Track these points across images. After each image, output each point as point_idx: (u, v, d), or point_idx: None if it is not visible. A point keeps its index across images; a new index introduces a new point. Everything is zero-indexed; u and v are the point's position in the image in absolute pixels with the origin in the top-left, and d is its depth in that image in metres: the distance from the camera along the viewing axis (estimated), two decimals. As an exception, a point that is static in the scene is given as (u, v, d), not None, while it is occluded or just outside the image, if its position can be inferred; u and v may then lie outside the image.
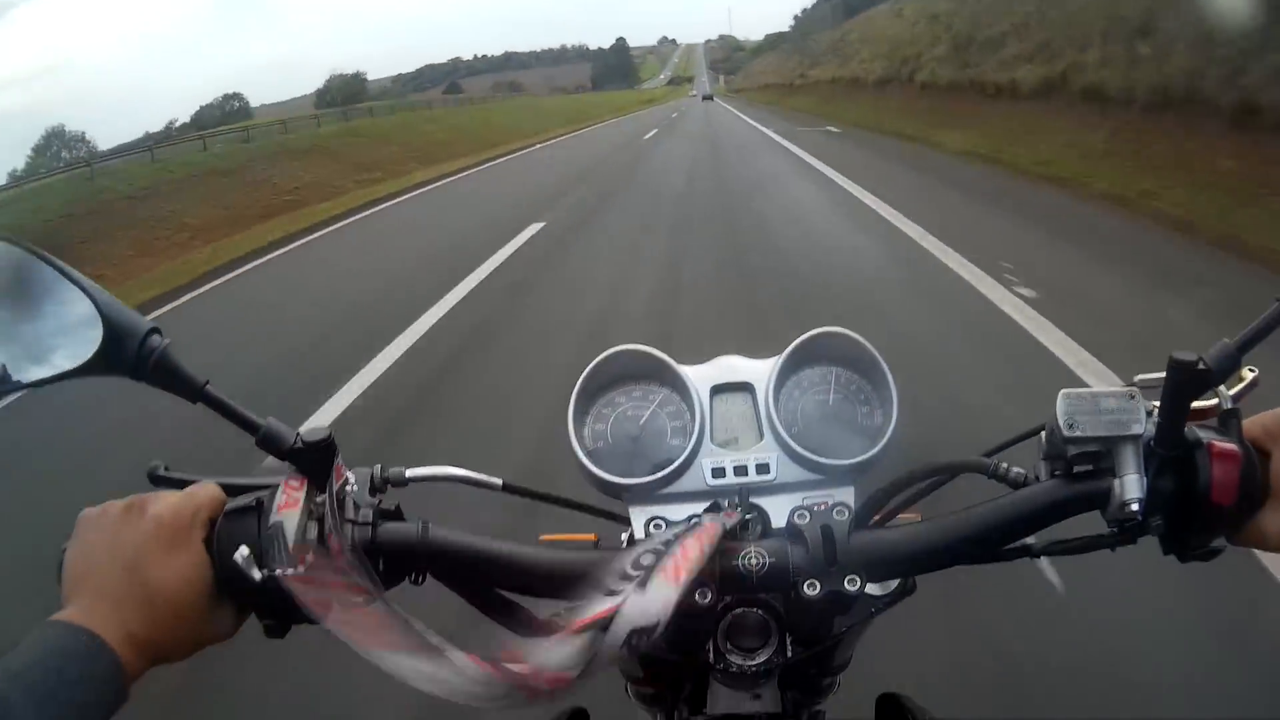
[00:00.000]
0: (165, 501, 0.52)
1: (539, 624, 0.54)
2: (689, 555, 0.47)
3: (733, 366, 0.65)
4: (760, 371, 0.64)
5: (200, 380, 0.53)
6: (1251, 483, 0.50)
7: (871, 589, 0.57)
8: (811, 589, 0.51)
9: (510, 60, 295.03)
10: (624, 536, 0.63)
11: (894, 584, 0.58)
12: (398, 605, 0.47)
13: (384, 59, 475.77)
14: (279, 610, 0.51)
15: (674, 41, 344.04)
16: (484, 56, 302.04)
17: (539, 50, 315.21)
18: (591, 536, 0.65)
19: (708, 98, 74.43)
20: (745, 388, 0.64)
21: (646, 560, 0.47)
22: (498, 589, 0.57)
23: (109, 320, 0.51)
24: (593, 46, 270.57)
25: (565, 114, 45.65)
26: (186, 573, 0.50)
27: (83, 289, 0.52)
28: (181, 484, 0.55)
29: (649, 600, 0.44)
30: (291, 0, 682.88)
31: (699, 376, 0.64)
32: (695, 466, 0.61)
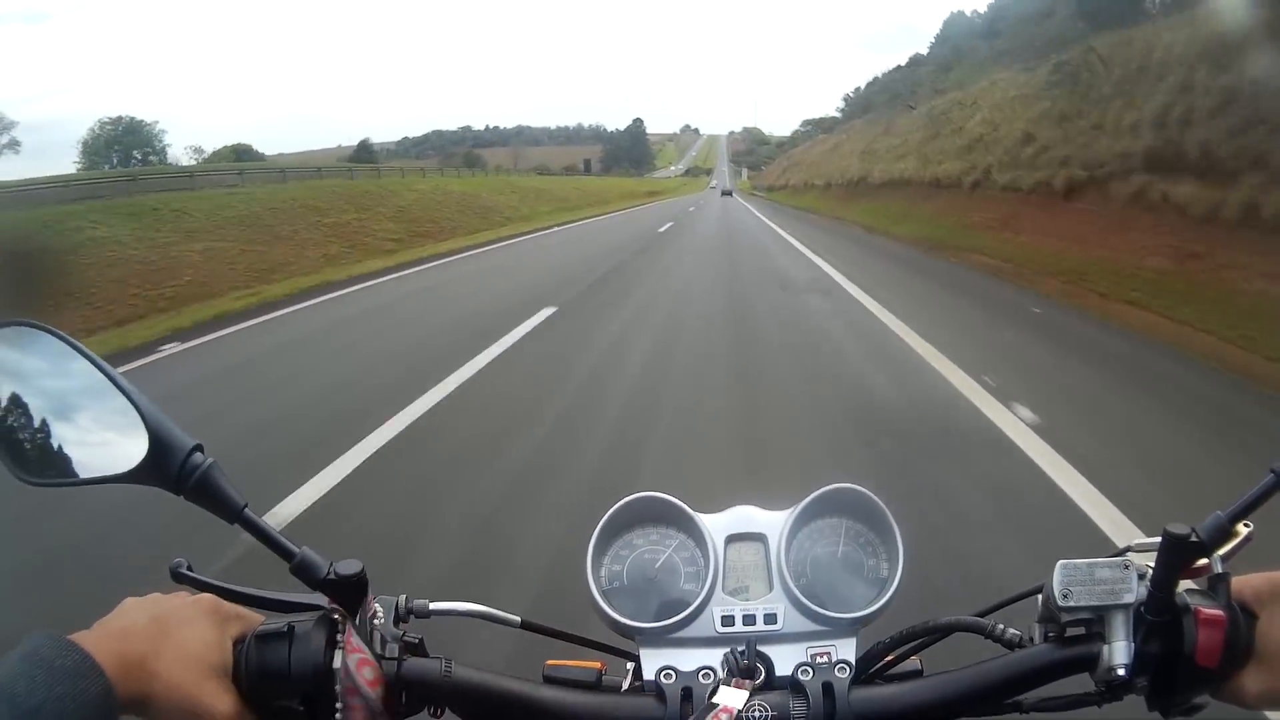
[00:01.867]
0: (209, 596, 0.55)
1: None
2: None
3: (748, 517, 0.66)
4: (774, 523, 0.65)
5: (240, 502, 0.55)
6: (1235, 645, 0.53)
7: None
8: None
9: (521, 134, 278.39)
10: (628, 668, 0.65)
11: None
12: None
13: (397, 121, 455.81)
14: None
15: (696, 131, 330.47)
16: (495, 128, 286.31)
17: (553, 127, 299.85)
18: (597, 665, 0.64)
19: (726, 193, 69.03)
20: (759, 538, 0.65)
21: None
22: None
23: (154, 433, 0.53)
24: (610, 128, 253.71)
25: (423, 217, 21.15)
26: (209, 638, 0.52)
27: (130, 399, 0.54)
28: (202, 584, 0.57)
29: None
30: (302, 50, 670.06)
31: (715, 525, 0.65)
32: (706, 613, 0.62)
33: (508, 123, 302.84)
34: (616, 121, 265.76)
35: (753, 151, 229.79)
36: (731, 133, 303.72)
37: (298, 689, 0.53)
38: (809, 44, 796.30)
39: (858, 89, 74.60)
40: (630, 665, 0.64)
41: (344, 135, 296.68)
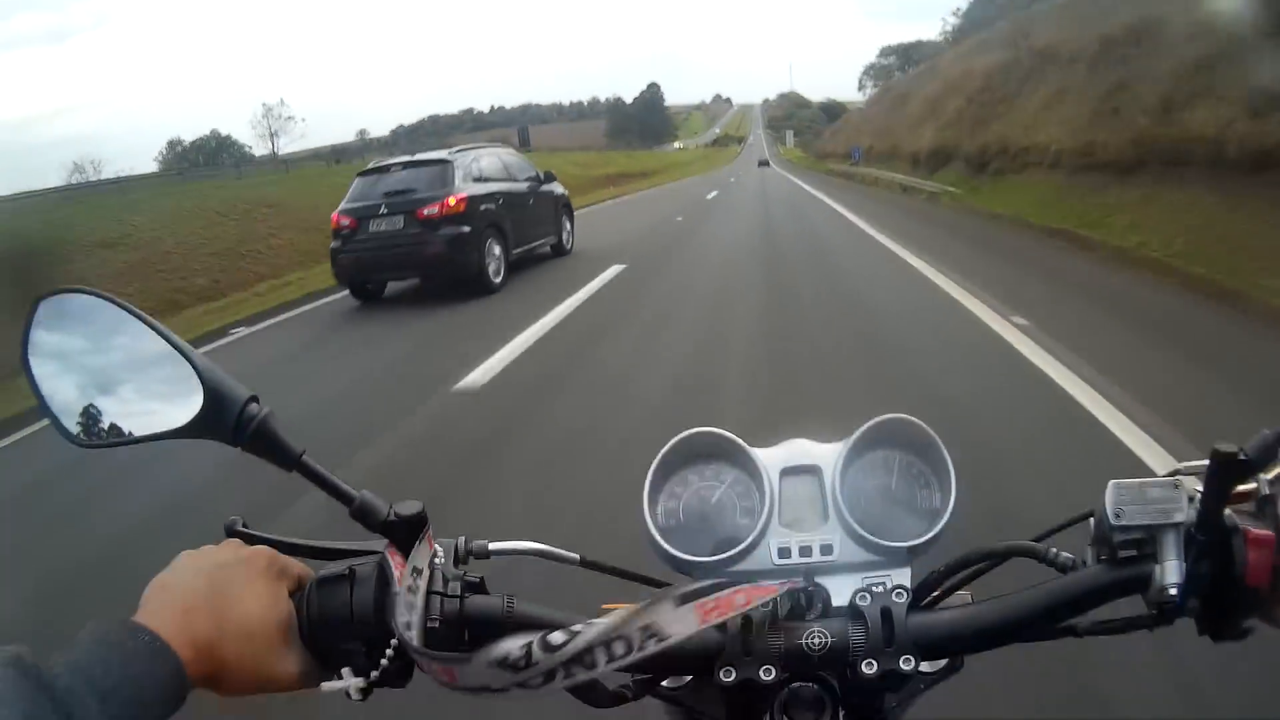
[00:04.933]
0: (263, 550, 0.56)
1: (610, 694, 0.58)
2: (731, 603, 0.50)
3: (802, 450, 0.66)
4: (828, 455, 0.65)
5: (297, 450, 0.56)
6: None
7: (923, 666, 0.58)
8: (869, 668, 0.55)
9: (527, 112, 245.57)
10: None
11: (943, 661, 0.60)
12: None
13: (387, 108, 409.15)
14: (366, 673, 0.55)
15: (728, 101, 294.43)
16: (500, 108, 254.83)
17: (565, 103, 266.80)
18: None
19: (764, 163, 68.88)
20: (813, 470, 0.65)
21: (693, 587, 0.50)
22: None
23: (209, 387, 0.54)
24: (630, 100, 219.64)
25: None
26: (269, 600, 0.52)
27: (182, 353, 0.54)
28: (258, 540, 0.58)
29: (671, 617, 0.47)
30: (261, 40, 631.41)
31: (770, 459, 0.65)
32: (763, 546, 0.63)
33: (512, 102, 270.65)
34: (636, 94, 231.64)
35: (791, 116, 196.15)
36: (766, 100, 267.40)
37: (360, 632, 0.54)
38: (835, 6, 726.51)
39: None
40: None
41: (333, 132, 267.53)
